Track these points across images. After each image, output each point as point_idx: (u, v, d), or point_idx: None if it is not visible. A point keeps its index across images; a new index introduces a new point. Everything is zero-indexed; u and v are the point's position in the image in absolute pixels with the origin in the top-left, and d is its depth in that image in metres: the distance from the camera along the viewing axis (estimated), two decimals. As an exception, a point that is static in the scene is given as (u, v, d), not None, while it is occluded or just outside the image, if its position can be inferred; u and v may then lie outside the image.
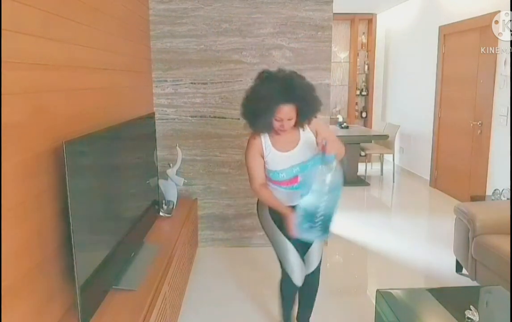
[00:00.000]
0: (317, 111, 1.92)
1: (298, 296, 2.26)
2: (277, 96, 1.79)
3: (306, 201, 1.78)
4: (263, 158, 1.96)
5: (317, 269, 2.15)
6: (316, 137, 1.96)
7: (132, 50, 2.81)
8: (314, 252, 2.11)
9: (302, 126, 1.95)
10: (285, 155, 1.93)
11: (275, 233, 2.03)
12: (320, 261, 2.16)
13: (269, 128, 1.89)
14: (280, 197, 1.96)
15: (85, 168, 1.67)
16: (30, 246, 1.44)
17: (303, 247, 2.07)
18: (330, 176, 1.75)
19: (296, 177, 1.94)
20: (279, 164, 1.93)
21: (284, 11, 3.31)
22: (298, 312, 2.33)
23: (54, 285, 1.62)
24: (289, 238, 1.98)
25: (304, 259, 2.09)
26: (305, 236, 1.88)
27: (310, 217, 1.78)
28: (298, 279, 2.07)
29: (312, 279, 2.16)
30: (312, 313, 2.33)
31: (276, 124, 1.85)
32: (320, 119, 2.08)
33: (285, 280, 2.11)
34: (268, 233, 2.09)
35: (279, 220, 1.96)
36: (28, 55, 1.44)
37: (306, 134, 1.97)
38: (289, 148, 1.94)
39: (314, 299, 2.27)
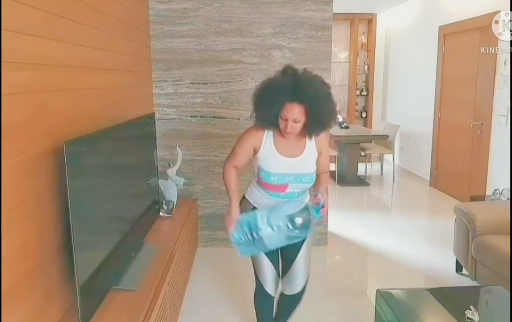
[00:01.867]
0: (329, 124, 1.76)
1: (277, 307, 2.13)
2: (286, 92, 1.66)
3: (265, 219, 1.69)
4: (255, 153, 1.84)
5: (302, 290, 2.02)
6: (318, 156, 1.87)
7: (132, 50, 2.80)
8: (297, 274, 1.97)
9: (310, 136, 1.80)
10: (282, 160, 1.80)
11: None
12: (306, 283, 2.02)
13: (272, 125, 1.76)
14: (265, 202, 1.87)
15: (85, 168, 1.67)
16: (30, 246, 1.44)
17: (285, 263, 1.99)
18: (301, 221, 1.68)
19: (285, 185, 1.82)
20: (273, 166, 1.80)
21: (284, 11, 3.31)
22: (275, 318, 2.17)
23: (54, 285, 1.62)
24: (265, 252, 1.87)
25: (285, 281, 2.00)
26: (233, 236, 1.75)
27: (248, 229, 1.70)
28: (271, 288, 1.99)
29: (294, 298, 2.04)
30: (312, 313, 2.32)
31: (281, 123, 1.72)
32: (327, 142, 1.97)
33: (259, 290, 2.02)
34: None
35: None
36: (28, 55, 1.43)
37: (312, 146, 1.85)
38: (290, 154, 1.81)
39: (292, 313, 2.13)
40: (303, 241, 1.90)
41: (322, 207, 1.71)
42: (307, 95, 1.65)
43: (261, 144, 1.82)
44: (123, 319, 1.71)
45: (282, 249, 1.92)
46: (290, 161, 1.81)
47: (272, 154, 1.81)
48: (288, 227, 1.68)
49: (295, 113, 1.67)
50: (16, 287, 1.35)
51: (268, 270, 1.95)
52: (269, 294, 2.01)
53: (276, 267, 1.98)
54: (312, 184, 1.89)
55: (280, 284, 2.04)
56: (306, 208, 1.76)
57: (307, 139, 1.83)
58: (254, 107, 1.78)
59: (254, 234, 1.69)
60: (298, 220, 1.68)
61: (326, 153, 1.96)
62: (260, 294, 2.02)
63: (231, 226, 1.76)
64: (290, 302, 2.07)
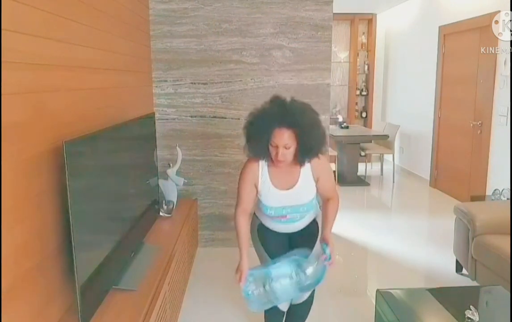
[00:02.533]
0: (319, 148, 1.74)
1: (286, 316, 2.13)
2: (275, 118, 1.65)
3: (276, 271, 1.69)
4: (256, 188, 1.82)
5: (308, 300, 2.03)
6: (316, 183, 1.83)
7: (132, 50, 2.80)
8: None
9: (302, 162, 1.76)
10: (279, 194, 1.80)
11: (263, 256, 1.96)
12: (313, 292, 2.02)
13: (263, 154, 1.74)
14: (270, 224, 1.92)
15: (85, 168, 1.67)
16: (30, 246, 1.44)
17: None
18: (312, 270, 1.68)
19: (284, 216, 1.84)
20: (270, 200, 1.81)
21: (284, 11, 3.31)
22: None
23: (54, 285, 1.62)
24: (277, 304, 1.85)
25: None
26: (244, 290, 1.73)
27: (261, 282, 1.70)
28: (283, 305, 1.99)
29: (301, 309, 2.06)
30: (312, 313, 2.31)
31: (272, 151, 1.69)
32: (326, 164, 1.91)
33: (271, 307, 1.97)
34: (257, 254, 2.01)
35: (267, 240, 1.94)
36: (28, 55, 1.44)
37: (306, 175, 1.81)
38: (285, 186, 1.80)
39: (304, 318, 2.13)
40: (311, 249, 1.89)
41: (330, 258, 1.69)
42: (296, 120, 1.64)
43: (258, 177, 1.81)
44: (123, 319, 1.71)
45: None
46: (286, 193, 1.80)
47: (269, 190, 1.81)
48: (299, 278, 1.68)
49: (285, 139, 1.65)
50: (16, 287, 1.35)
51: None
52: (282, 310, 2.02)
53: None
54: (311, 211, 1.90)
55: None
56: (316, 258, 1.74)
57: (301, 168, 1.80)
58: (245, 138, 1.77)
59: (267, 287, 1.68)
60: (310, 270, 1.68)
61: (326, 178, 1.86)
62: (272, 310, 1.96)
63: (242, 280, 1.72)
64: (297, 314, 2.09)
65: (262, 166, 1.80)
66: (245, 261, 1.76)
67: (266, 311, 2.07)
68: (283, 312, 2.05)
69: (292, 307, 2.06)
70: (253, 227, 2.02)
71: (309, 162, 1.78)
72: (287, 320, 2.15)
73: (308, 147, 1.70)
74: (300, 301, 2.02)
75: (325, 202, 1.89)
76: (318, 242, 1.92)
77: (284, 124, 1.64)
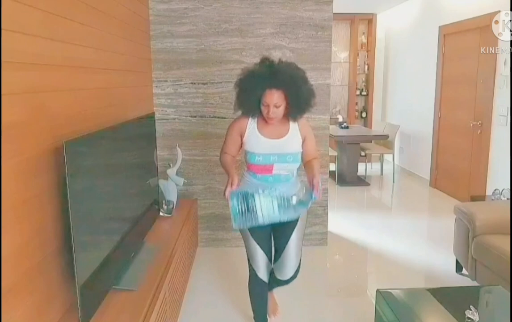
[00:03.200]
0: (308, 104, 1.89)
1: (271, 280, 2.22)
2: (265, 79, 1.80)
3: (260, 192, 1.76)
4: (241, 139, 1.97)
5: (293, 277, 2.13)
6: (303, 142, 1.97)
7: (132, 50, 2.80)
8: (288, 260, 2.07)
9: (294, 119, 1.92)
10: (267, 141, 1.93)
11: (246, 232, 2.07)
12: (298, 270, 2.13)
13: (254, 112, 1.89)
14: (253, 185, 1.94)
15: (85, 168, 1.67)
16: (30, 245, 1.44)
17: (277, 250, 2.11)
18: (296, 199, 1.76)
19: (271, 165, 1.92)
20: (258, 146, 1.93)
21: (284, 11, 3.31)
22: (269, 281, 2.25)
23: (54, 285, 1.62)
24: (258, 240, 2.04)
25: (276, 267, 2.12)
26: (231, 202, 1.76)
27: (245, 200, 1.75)
28: (263, 274, 2.10)
29: (283, 282, 2.17)
30: (312, 313, 2.32)
31: (264, 110, 1.85)
32: (311, 129, 2.06)
33: (252, 277, 2.13)
34: (241, 231, 2.12)
35: (251, 231, 2.01)
36: (28, 55, 1.44)
37: (295, 130, 1.96)
38: (274, 137, 1.94)
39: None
40: (293, 228, 2.02)
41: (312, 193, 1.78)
42: (284, 80, 1.80)
43: (245, 129, 1.96)
44: (123, 319, 1.71)
45: (275, 234, 2.06)
46: (273, 141, 1.93)
47: (256, 137, 1.94)
48: (283, 203, 1.75)
49: (275, 99, 1.81)
50: (16, 287, 1.35)
51: (260, 257, 2.06)
52: (262, 280, 2.11)
53: (268, 254, 2.09)
54: (297, 164, 1.99)
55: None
56: (301, 188, 1.85)
57: (291, 124, 1.95)
58: (236, 96, 1.92)
59: (250, 204, 1.74)
60: (294, 198, 1.75)
61: (311, 139, 2.04)
62: (254, 280, 2.13)
63: (229, 192, 1.77)
64: (282, 283, 2.19)
65: (250, 121, 1.96)
66: (234, 176, 1.83)
67: (251, 287, 2.17)
68: (264, 283, 2.13)
69: (274, 278, 2.16)
70: None
71: (301, 117, 1.94)
72: (273, 283, 2.23)
73: (297, 105, 1.86)
74: (284, 277, 2.12)
75: (308, 162, 2.02)
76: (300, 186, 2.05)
77: (274, 85, 1.79)
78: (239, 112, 2.00)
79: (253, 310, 2.28)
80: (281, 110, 1.85)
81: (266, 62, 1.87)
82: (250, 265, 2.14)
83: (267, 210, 1.75)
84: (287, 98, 1.83)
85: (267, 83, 1.80)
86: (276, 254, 2.12)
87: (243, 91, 1.89)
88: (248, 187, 1.95)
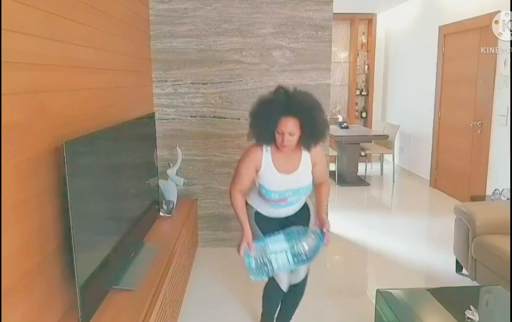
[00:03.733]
0: (322, 135, 1.87)
1: (282, 301, 2.26)
2: (281, 107, 1.78)
3: (272, 244, 1.84)
4: (257, 173, 1.93)
5: (305, 279, 2.14)
6: (312, 167, 1.98)
7: (132, 50, 2.80)
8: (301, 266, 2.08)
9: (307, 148, 1.90)
10: (282, 178, 1.91)
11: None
12: (307, 273, 2.15)
13: (270, 140, 1.86)
14: (266, 210, 2.01)
15: (85, 168, 1.67)
16: (30, 245, 1.44)
17: None
18: (307, 247, 1.83)
19: (285, 199, 1.95)
20: (274, 184, 1.91)
21: (284, 11, 3.31)
22: (279, 314, 2.31)
23: (54, 285, 1.62)
24: (274, 274, 1.98)
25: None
26: (247, 261, 1.86)
27: (258, 257, 1.83)
28: (285, 286, 2.10)
29: (298, 289, 2.17)
30: (312, 313, 2.33)
31: (278, 138, 1.82)
32: (323, 154, 2.07)
33: (273, 286, 2.11)
34: (255, 238, 2.06)
35: (264, 227, 2.00)
36: (28, 55, 1.43)
37: (306, 160, 1.95)
38: (288, 170, 1.92)
39: (297, 306, 2.27)
40: None
41: (323, 233, 1.85)
42: (300, 109, 1.78)
43: (261, 163, 1.91)
44: (123, 319, 1.71)
45: None
46: (288, 177, 1.92)
47: (272, 174, 1.91)
48: (296, 253, 1.82)
49: (289, 127, 1.78)
50: (16, 287, 1.35)
51: (285, 272, 2.05)
52: (283, 291, 2.12)
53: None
54: (309, 193, 2.02)
55: None
56: (311, 233, 1.88)
57: (303, 153, 1.94)
58: (251, 124, 1.88)
59: (265, 259, 1.82)
60: (306, 246, 1.82)
61: (321, 164, 2.03)
62: (274, 289, 2.12)
63: (244, 250, 1.87)
64: (294, 293, 2.19)
65: (265, 152, 1.91)
66: (248, 232, 1.91)
67: (269, 294, 2.20)
68: (283, 292, 2.14)
69: (290, 287, 2.16)
70: (249, 218, 2.05)
71: (315, 147, 1.91)
72: (285, 298, 2.24)
73: (311, 134, 1.84)
74: (298, 280, 2.12)
75: (318, 186, 2.06)
76: (311, 220, 2.10)
77: (289, 113, 1.77)
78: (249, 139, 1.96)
79: (264, 313, 2.30)
80: (295, 138, 1.82)
81: (281, 90, 1.85)
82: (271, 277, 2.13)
83: (281, 263, 1.83)
84: (301, 127, 1.80)
85: (282, 111, 1.77)
86: None
87: (258, 119, 1.85)
88: (259, 206, 2.03)
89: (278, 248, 1.83)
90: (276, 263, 1.82)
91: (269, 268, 1.82)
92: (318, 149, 1.98)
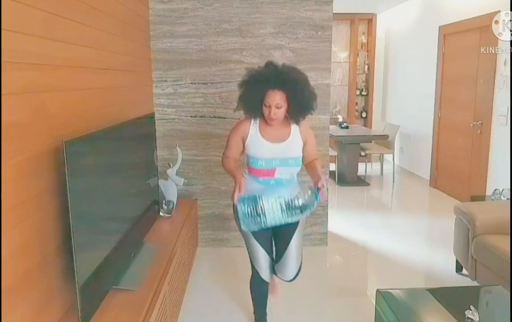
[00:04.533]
0: (309, 107, 1.93)
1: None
2: (267, 80, 1.84)
3: (266, 196, 1.80)
4: (243, 142, 1.99)
5: (296, 277, 2.14)
6: (303, 145, 2.00)
7: (132, 50, 2.80)
8: (290, 260, 2.08)
9: (295, 121, 1.95)
10: (269, 145, 1.95)
11: (248, 234, 2.05)
12: (299, 270, 2.14)
13: (257, 113, 1.92)
14: (255, 189, 1.96)
15: (85, 168, 1.67)
16: (30, 246, 1.44)
17: (278, 251, 2.12)
18: (301, 201, 1.79)
19: (273, 169, 1.94)
20: (260, 151, 1.95)
21: (284, 11, 3.31)
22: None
23: (54, 285, 1.62)
24: (260, 241, 2.05)
25: (277, 269, 2.13)
26: (240, 207, 1.82)
27: (252, 204, 1.80)
28: (266, 275, 2.13)
29: (288, 281, 2.17)
30: (312, 313, 2.33)
31: (265, 110, 1.88)
32: (312, 132, 2.09)
33: (255, 277, 2.16)
34: (242, 233, 2.10)
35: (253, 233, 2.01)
36: (28, 55, 1.44)
37: (296, 134, 1.99)
38: (276, 140, 1.96)
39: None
40: (293, 231, 2.04)
41: (318, 189, 1.82)
42: (286, 82, 1.84)
43: (248, 133, 1.97)
44: (123, 319, 1.71)
45: (275, 237, 2.09)
46: (275, 145, 1.96)
47: (258, 141, 1.96)
48: (289, 205, 1.79)
49: (277, 99, 1.84)
50: (16, 287, 1.35)
51: (263, 258, 2.09)
52: (264, 281, 2.15)
53: (270, 254, 2.11)
54: (298, 167, 2.01)
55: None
56: (306, 190, 1.84)
57: (292, 127, 1.98)
58: (239, 96, 1.94)
59: (259, 208, 1.80)
60: (300, 201, 1.79)
61: (312, 141, 2.08)
62: (256, 281, 2.18)
63: (238, 194, 1.83)
64: (285, 281, 2.19)
65: (253, 124, 1.97)
66: (241, 179, 1.88)
67: (253, 287, 2.23)
68: (266, 283, 2.17)
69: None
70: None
71: (303, 119, 1.96)
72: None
73: (298, 107, 1.90)
74: (285, 279, 2.13)
75: (310, 162, 2.08)
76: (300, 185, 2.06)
77: (276, 86, 1.83)
78: (240, 112, 2.01)
79: (254, 307, 2.35)
80: (282, 111, 1.88)
81: (270, 65, 1.91)
82: (252, 266, 2.16)
83: (274, 213, 1.80)
84: (288, 100, 1.87)
85: (270, 84, 1.83)
86: (277, 256, 2.13)
87: (246, 91, 1.92)
88: (250, 191, 1.96)
89: (271, 200, 1.80)
90: (268, 214, 1.79)
91: (261, 220, 1.80)
92: (307, 128, 2.04)
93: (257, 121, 1.97)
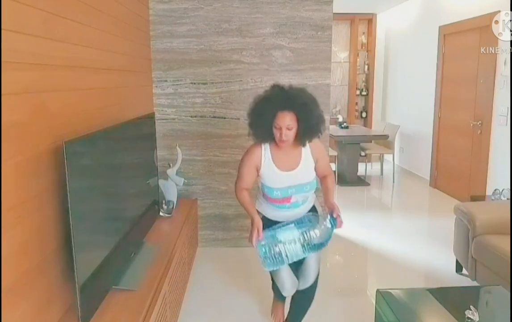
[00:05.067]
0: (319, 127, 1.89)
1: (291, 302, 2.25)
2: (277, 102, 1.81)
3: (283, 232, 1.82)
4: (258, 171, 1.95)
5: (314, 284, 2.12)
6: (315, 164, 1.98)
7: (132, 50, 2.80)
8: (309, 268, 2.07)
9: (304, 143, 1.91)
10: (283, 175, 1.92)
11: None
12: (317, 277, 2.13)
13: (268, 137, 1.87)
14: (273, 214, 2.01)
15: (85, 168, 1.67)
16: (30, 246, 1.44)
17: (296, 262, 2.00)
18: (318, 232, 1.82)
19: (289, 197, 1.94)
20: (275, 182, 1.92)
21: (284, 11, 3.31)
22: (288, 316, 2.30)
23: (54, 285, 1.62)
24: (286, 264, 1.94)
25: (299, 274, 2.09)
26: (259, 248, 1.84)
27: (270, 245, 1.82)
28: (288, 292, 2.10)
29: (307, 293, 2.14)
30: (312, 313, 2.32)
31: (276, 133, 1.83)
32: (323, 147, 2.07)
33: (277, 293, 2.16)
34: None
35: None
36: (28, 55, 1.44)
37: (307, 155, 1.96)
38: (289, 168, 1.93)
39: (306, 310, 2.23)
40: None
41: (334, 218, 1.84)
42: (296, 103, 1.81)
43: (261, 162, 1.93)
44: (123, 319, 1.71)
45: None
46: (289, 174, 1.93)
47: (272, 171, 1.93)
48: (307, 241, 1.80)
49: (287, 121, 1.80)
50: (16, 287, 1.35)
51: (285, 276, 2.05)
52: (284, 297, 2.14)
53: (292, 266, 2.04)
54: (313, 190, 2.01)
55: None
56: (320, 219, 1.87)
57: (302, 149, 1.95)
58: (249, 122, 1.91)
59: (276, 248, 1.81)
60: (316, 232, 1.81)
61: (324, 159, 2.05)
62: (277, 295, 2.23)
63: (256, 238, 1.84)
64: (303, 298, 2.17)
65: (264, 150, 1.93)
66: (258, 218, 1.89)
67: (275, 291, 2.24)
68: (284, 297, 2.19)
69: (297, 292, 2.14)
70: None
71: (310, 141, 1.92)
72: (293, 305, 2.24)
73: (308, 128, 1.85)
74: (307, 285, 2.09)
75: (322, 179, 2.08)
76: (319, 207, 2.12)
77: (285, 107, 1.80)
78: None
79: (275, 293, 2.37)
80: (293, 133, 1.83)
81: (276, 87, 1.89)
82: (273, 282, 2.15)
83: (293, 253, 1.81)
84: (298, 121, 1.83)
85: (279, 105, 1.80)
86: (299, 261, 2.05)
87: (256, 117, 1.88)
88: (265, 211, 2.03)
89: (288, 236, 1.81)
90: (287, 252, 1.80)
91: (281, 259, 1.81)
92: (318, 144, 1.99)
93: (267, 147, 1.93)
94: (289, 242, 1.80)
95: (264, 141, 1.92)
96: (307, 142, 1.91)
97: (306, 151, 1.95)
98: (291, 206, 1.97)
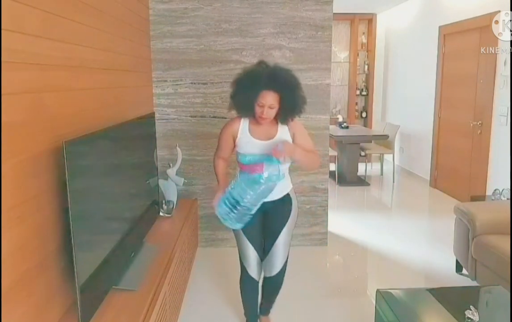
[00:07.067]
0: (300, 109, 1.95)
1: (261, 289, 2.33)
2: (262, 81, 1.85)
3: (236, 189, 1.87)
4: (234, 141, 2.03)
5: (281, 272, 2.17)
6: (292, 140, 2.02)
7: (132, 50, 2.80)
8: (276, 255, 2.12)
9: (284, 122, 1.97)
10: (257, 142, 1.99)
11: (239, 232, 2.12)
12: (284, 265, 2.18)
13: (250, 112, 1.93)
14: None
15: (85, 168, 1.67)
16: (30, 246, 1.44)
17: (266, 246, 2.16)
18: (267, 173, 1.84)
19: (261, 163, 1.92)
20: (248, 148, 1.99)
21: (284, 11, 3.31)
22: (262, 300, 2.39)
23: (54, 285, 1.62)
24: (249, 238, 2.10)
25: (266, 262, 2.16)
26: (221, 216, 1.93)
27: (232, 204, 1.87)
28: (254, 272, 2.17)
29: (274, 281, 2.20)
30: (312, 313, 2.33)
31: (258, 110, 1.89)
32: (302, 125, 2.09)
33: (244, 275, 2.20)
34: (234, 232, 2.16)
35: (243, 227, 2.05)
36: (28, 55, 1.43)
37: (284, 132, 2.01)
38: (264, 138, 1.99)
39: (275, 296, 2.33)
40: (283, 226, 2.10)
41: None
42: (281, 83, 1.86)
43: (238, 132, 2.02)
44: (123, 319, 1.71)
45: (265, 234, 2.14)
46: (263, 143, 1.99)
47: (247, 139, 2.01)
48: (260, 183, 1.84)
49: (270, 100, 1.86)
50: (16, 287, 1.35)
51: (251, 255, 2.13)
52: (253, 278, 2.18)
53: (259, 252, 2.15)
54: (286, 164, 2.02)
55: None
56: (269, 161, 1.89)
57: (279, 126, 2.01)
58: (232, 95, 1.96)
59: (237, 205, 1.86)
60: (265, 174, 1.83)
61: (302, 135, 2.06)
62: (245, 278, 2.21)
63: (215, 205, 1.95)
64: (271, 285, 2.25)
65: (243, 123, 2.02)
66: (222, 183, 2.09)
67: (243, 286, 2.27)
68: (256, 281, 2.21)
69: (265, 279, 2.24)
70: None
71: (291, 121, 1.99)
72: (263, 292, 2.33)
73: (289, 109, 1.92)
74: (273, 273, 2.16)
75: None
76: (292, 214, 2.15)
77: (270, 87, 1.84)
78: (234, 112, 2.03)
79: (244, 307, 2.37)
80: (274, 112, 1.91)
81: (263, 65, 1.93)
82: (241, 263, 2.20)
83: (252, 199, 1.85)
84: (281, 101, 1.88)
85: (264, 84, 1.84)
86: (264, 252, 2.17)
87: (239, 91, 1.93)
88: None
89: (241, 192, 1.85)
90: (248, 203, 1.85)
91: (243, 212, 1.87)
92: (295, 121, 2.03)
93: (247, 120, 2.01)
94: (246, 194, 1.84)
95: (245, 116, 1.99)
96: (288, 121, 1.98)
97: (282, 128, 2.01)
98: (265, 179, 1.91)
